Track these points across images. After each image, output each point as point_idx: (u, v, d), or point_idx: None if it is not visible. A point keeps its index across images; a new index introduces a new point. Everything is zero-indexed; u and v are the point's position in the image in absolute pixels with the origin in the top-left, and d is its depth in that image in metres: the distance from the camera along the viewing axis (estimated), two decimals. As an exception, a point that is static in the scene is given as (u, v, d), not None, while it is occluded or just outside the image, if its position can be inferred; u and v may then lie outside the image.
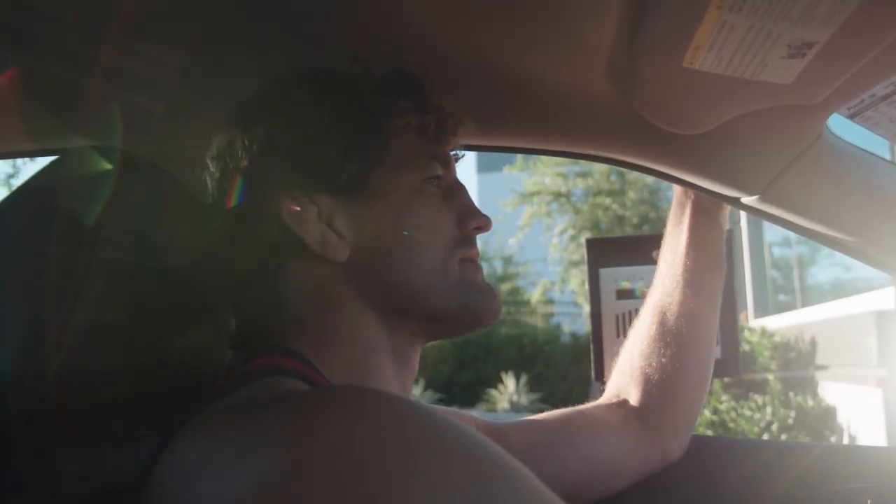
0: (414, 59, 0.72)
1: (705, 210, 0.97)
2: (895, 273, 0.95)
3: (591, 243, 1.36)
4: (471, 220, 0.73)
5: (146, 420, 0.69)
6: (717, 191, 0.87)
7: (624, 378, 1.03)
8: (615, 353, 1.10)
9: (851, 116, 0.80)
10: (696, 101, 0.70)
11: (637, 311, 1.06)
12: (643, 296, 1.06)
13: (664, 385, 0.97)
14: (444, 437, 0.43)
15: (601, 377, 1.15)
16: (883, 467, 1.00)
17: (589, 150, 0.87)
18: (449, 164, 0.75)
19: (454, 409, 0.96)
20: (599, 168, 12.89)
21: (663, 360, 0.97)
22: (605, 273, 1.37)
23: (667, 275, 1.00)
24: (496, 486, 0.41)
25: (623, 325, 1.27)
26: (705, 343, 0.98)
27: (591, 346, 1.36)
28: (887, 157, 0.92)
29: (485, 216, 0.74)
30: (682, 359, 0.96)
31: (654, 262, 1.06)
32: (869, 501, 0.96)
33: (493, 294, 0.73)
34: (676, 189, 1.00)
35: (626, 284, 1.35)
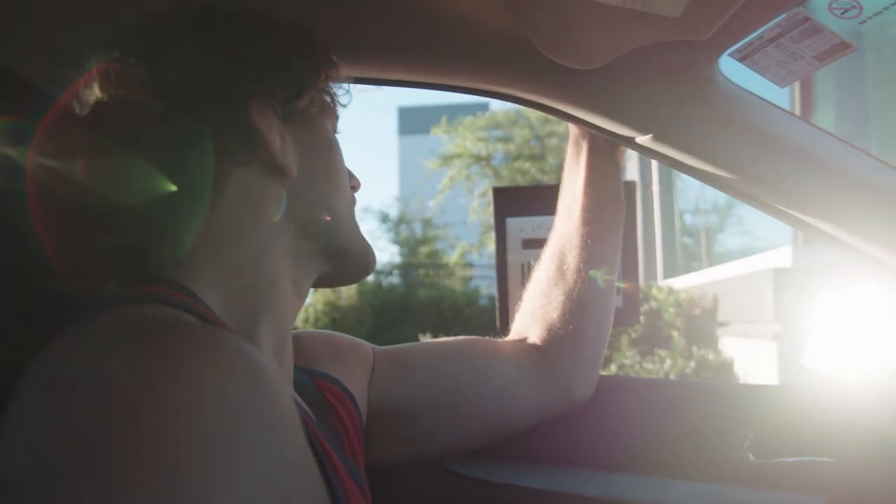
0: None
1: (601, 149, 0.98)
2: (786, 219, 0.98)
3: (498, 192, 1.35)
4: (353, 177, 0.79)
5: None
6: (611, 129, 0.88)
7: (525, 319, 1.03)
8: (520, 302, 1.10)
9: (742, 59, 0.81)
10: (588, 33, 0.70)
11: None
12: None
13: (564, 320, 0.98)
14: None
15: (506, 326, 1.15)
16: (764, 404, 1.04)
17: (480, 84, 0.85)
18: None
19: (355, 340, 0.94)
20: (520, 133, 13.03)
21: (563, 297, 0.98)
22: (512, 223, 1.38)
23: (566, 216, 1.01)
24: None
25: (528, 274, 1.27)
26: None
27: (497, 296, 1.37)
28: (787, 108, 0.94)
29: (356, 177, 0.80)
30: (583, 294, 0.97)
31: None
32: (750, 434, 1.01)
33: (371, 246, 0.78)
34: (572, 129, 1.00)
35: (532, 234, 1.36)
